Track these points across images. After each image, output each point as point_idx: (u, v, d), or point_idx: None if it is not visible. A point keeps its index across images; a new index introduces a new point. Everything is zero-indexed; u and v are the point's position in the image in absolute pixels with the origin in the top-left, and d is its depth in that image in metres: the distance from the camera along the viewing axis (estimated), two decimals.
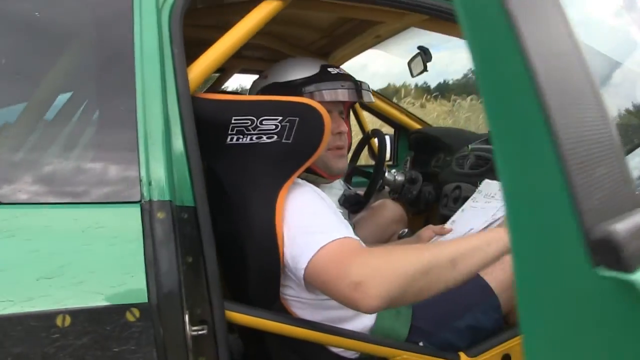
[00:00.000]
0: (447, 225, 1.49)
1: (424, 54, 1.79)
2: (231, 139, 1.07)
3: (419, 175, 2.12)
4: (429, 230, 1.50)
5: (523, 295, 0.47)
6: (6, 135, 0.93)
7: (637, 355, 0.46)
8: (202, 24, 1.59)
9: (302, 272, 0.99)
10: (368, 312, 0.92)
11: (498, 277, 1.27)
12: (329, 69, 1.33)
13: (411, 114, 2.61)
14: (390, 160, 2.69)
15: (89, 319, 0.79)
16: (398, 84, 9.78)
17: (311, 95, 1.25)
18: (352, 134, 1.52)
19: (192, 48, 1.07)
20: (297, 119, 1.08)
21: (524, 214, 0.46)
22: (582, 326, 0.46)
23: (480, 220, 1.39)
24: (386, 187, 2.21)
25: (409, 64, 1.97)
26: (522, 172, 0.46)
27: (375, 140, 2.21)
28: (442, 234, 1.48)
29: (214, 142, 1.06)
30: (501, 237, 0.98)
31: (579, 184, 0.42)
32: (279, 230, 1.05)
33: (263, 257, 1.07)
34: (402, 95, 9.31)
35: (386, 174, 2.16)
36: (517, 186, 0.46)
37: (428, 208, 2.15)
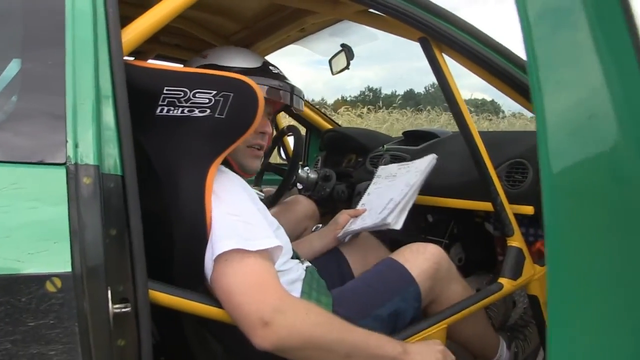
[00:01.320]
0: (359, 207, 1.57)
1: (348, 51, 1.82)
2: (161, 110, 1.01)
3: (332, 173, 2.15)
4: (344, 214, 1.56)
5: None
6: None
7: None
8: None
9: (212, 260, 1.00)
10: (256, 346, 0.96)
11: (421, 266, 1.30)
12: (270, 67, 1.31)
13: (324, 114, 2.64)
14: (301, 160, 2.71)
15: (3, 288, 0.71)
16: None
17: None
18: None
19: None
20: (232, 94, 1.05)
21: None
22: None
23: (396, 191, 1.51)
24: (298, 184, 2.22)
25: (330, 61, 1.99)
26: None
27: (289, 138, 2.22)
28: (357, 215, 1.57)
29: (143, 112, 1.00)
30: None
31: None
32: (208, 208, 1.02)
33: (190, 235, 1.02)
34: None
35: (300, 172, 2.17)
36: None
37: (340, 206, 2.17)
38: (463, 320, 1.33)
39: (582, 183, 0.68)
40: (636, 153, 0.62)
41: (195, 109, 1.03)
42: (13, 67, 0.86)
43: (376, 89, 31.79)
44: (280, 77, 1.31)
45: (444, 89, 1.39)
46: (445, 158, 1.65)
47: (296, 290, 1.26)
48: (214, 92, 1.04)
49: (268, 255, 1.04)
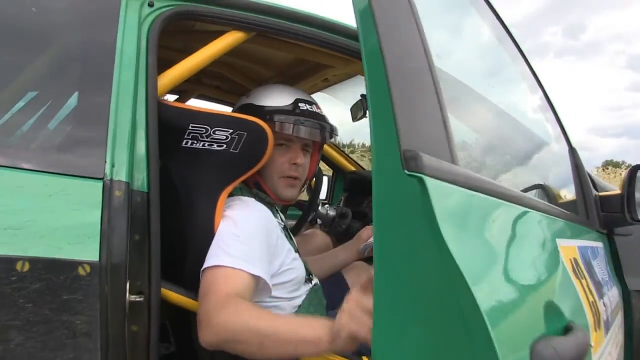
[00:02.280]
0: None
1: (365, 101, 2.01)
2: (186, 143, 1.24)
3: (348, 212, 2.33)
4: (367, 230, 1.73)
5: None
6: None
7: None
8: (169, 47, 1.77)
9: (203, 270, 1.17)
10: (203, 345, 1.08)
11: None
12: (300, 104, 1.45)
13: (349, 157, 2.84)
14: (326, 199, 2.90)
15: (45, 268, 0.93)
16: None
17: (280, 125, 1.39)
18: None
19: (158, 66, 1.24)
20: (245, 133, 1.26)
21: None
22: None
23: None
24: (318, 220, 2.41)
25: (351, 109, 2.19)
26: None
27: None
28: None
29: (172, 143, 1.23)
30: (327, 341, 1.01)
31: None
32: (217, 226, 1.22)
33: (200, 249, 1.22)
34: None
35: (320, 208, 2.37)
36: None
37: None
38: None
39: None
40: None
41: (214, 144, 1.25)
42: (74, 99, 1.11)
43: None
44: (307, 113, 1.44)
45: None
46: None
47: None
48: (231, 130, 1.25)
49: (245, 276, 1.16)
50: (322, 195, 2.92)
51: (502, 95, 1.62)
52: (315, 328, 1.03)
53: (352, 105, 2.21)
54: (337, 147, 2.92)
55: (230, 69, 2.09)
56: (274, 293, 1.30)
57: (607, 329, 1.14)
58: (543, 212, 1.06)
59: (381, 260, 0.68)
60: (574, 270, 1.03)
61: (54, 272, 0.93)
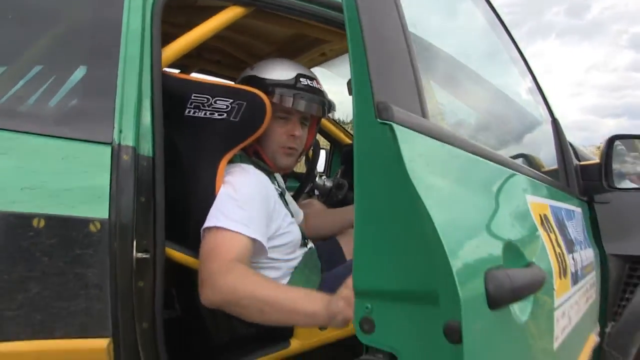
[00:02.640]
0: None
1: None
2: (189, 112, 1.31)
3: (345, 183, 2.41)
4: None
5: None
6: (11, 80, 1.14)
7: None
8: (171, 21, 1.83)
9: (203, 230, 1.26)
10: (203, 303, 1.18)
11: None
12: (301, 79, 1.53)
13: (346, 130, 2.90)
14: (324, 171, 2.98)
15: (60, 224, 1.01)
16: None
17: (281, 97, 1.47)
18: None
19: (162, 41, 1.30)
20: (245, 103, 1.33)
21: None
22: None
23: None
24: (316, 191, 2.49)
25: (348, 83, 2.26)
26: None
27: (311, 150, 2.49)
28: None
29: (175, 112, 1.30)
30: (323, 315, 1.10)
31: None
32: (218, 190, 1.30)
33: (202, 210, 1.30)
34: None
35: (317, 180, 2.45)
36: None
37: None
38: None
39: None
40: None
41: (215, 113, 1.32)
42: (80, 72, 1.18)
43: None
44: (306, 88, 1.52)
45: None
46: None
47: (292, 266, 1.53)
48: (231, 100, 1.33)
49: (243, 238, 1.25)
50: (320, 168, 3.00)
51: (483, 66, 1.68)
52: (314, 303, 1.13)
53: (348, 80, 2.27)
54: (336, 122, 2.99)
55: (231, 44, 2.14)
56: (271, 255, 1.39)
57: (574, 281, 1.23)
58: (515, 171, 1.16)
59: (360, 196, 0.80)
60: (542, 223, 1.12)
61: (67, 228, 1.01)
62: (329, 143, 3.03)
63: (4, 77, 1.14)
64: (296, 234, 1.54)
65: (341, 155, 2.87)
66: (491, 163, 1.03)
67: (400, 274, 0.76)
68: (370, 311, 0.78)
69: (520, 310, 0.89)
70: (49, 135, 1.06)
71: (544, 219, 1.14)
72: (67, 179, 1.04)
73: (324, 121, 2.81)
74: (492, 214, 0.92)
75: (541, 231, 1.09)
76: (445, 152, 0.88)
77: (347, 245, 1.84)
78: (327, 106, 1.57)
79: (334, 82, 2.34)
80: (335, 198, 2.41)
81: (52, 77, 1.18)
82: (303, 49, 2.05)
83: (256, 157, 1.54)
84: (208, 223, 1.25)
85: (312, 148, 2.38)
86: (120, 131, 1.12)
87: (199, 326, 1.50)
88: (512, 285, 0.77)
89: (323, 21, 1.51)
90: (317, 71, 2.22)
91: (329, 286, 1.49)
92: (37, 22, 1.18)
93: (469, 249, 0.77)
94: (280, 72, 1.54)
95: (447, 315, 0.68)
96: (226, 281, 1.16)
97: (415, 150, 0.77)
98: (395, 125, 0.74)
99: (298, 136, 1.55)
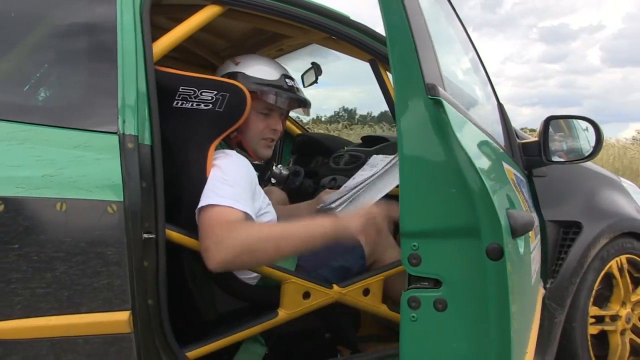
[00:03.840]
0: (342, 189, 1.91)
1: (317, 69, 2.23)
2: (177, 103, 1.41)
3: (301, 170, 2.55)
4: (326, 192, 1.95)
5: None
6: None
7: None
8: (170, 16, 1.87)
9: (198, 210, 1.37)
10: (212, 270, 1.29)
11: None
12: (286, 80, 1.69)
13: (295, 121, 3.04)
14: (275, 160, 3.11)
15: (81, 208, 1.09)
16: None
17: (267, 95, 1.60)
18: None
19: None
20: (228, 94, 1.45)
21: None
22: None
23: (357, 180, 1.83)
24: (272, 179, 2.62)
25: (302, 76, 2.40)
26: None
27: None
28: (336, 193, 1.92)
29: (164, 103, 1.39)
30: (331, 228, 1.37)
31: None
32: (209, 173, 1.41)
33: (195, 193, 1.40)
34: None
35: (273, 169, 2.58)
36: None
37: (306, 198, 2.57)
38: (397, 277, 1.72)
39: None
40: None
41: (201, 104, 1.43)
42: (87, 66, 1.25)
43: (352, 109, 32.70)
44: (291, 89, 1.68)
45: (389, 106, 1.81)
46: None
47: None
48: (215, 92, 1.44)
49: (236, 211, 1.36)
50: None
51: (448, 54, 1.87)
52: (322, 224, 1.38)
53: (303, 72, 2.42)
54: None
55: (193, 41, 2.21)
56: None
57: (536, 234, 1.49)
58: (496, 144, 1.45)
59: (406, 159, 1.06)
60: (514, 185, 1.40)
61: (87, 211, 1.10)
62: None
63: (14, 74, 1.20)
64: (274, 214, 1.67)
65: (294, 145, 3.00)
66: (485, 135, 1.31)
67: (445, 216, 1.03)
68: (417, 248, 1.04)
69: (519, 245, 1.17)
70: (58, 127, 1.14)
71: (513, 182, 1.38)
72: (84, 165, 1.13)
73: None
74: (495, 171, 1.20)
75: (515, 190, 1.34)
76: (467, 124, 1.14)
77: None
78: (305, 104, 1.75)
79: None
80: (293, 185, 2.54)
81: (57, 73, 1.25)
82: (260, 44, 2.15)
83: (239, 147, 1.66)
84: (202, 202, 1.35)
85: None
86: (124, 121, 1.21)
87: (188, 305, 1.59)
88: (523, 221, 1.05)
89: (291, 18, 1.63)
90: None
91: (307, 259, 1.63)
92: (37, 22, 1.24)
93: (497, 195, 1.03)
94: (267, 71, 1.67)
95: (489, 240, 0.97)
96: (234, 237, 1.27)
97: (454, 120, 1.01)
98: (443, 101, 1.00)
99: (279, 130, 1.72)
